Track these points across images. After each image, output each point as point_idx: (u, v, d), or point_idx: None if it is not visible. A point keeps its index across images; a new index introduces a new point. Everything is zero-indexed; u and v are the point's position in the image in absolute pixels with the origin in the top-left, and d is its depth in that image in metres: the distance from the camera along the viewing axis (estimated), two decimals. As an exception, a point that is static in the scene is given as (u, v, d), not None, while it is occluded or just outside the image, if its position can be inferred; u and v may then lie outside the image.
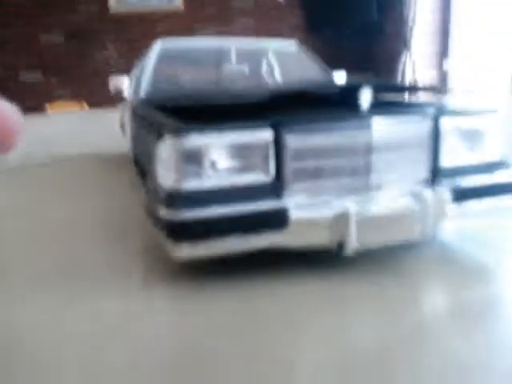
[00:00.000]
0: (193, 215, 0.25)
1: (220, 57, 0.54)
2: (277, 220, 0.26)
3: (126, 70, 4.87)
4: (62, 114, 3.80)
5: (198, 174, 0.26)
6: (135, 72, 0.54)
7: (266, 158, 0.28)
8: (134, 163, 0.44)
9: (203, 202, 0.26)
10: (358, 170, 0.28)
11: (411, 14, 3.70)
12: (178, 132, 0.25)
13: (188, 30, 4.66)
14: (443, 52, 4.00)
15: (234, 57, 0.52)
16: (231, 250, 0.27)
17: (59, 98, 4.42)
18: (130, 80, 0.50)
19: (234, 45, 0.51)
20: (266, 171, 0.27)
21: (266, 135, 0.26)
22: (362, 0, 4.28)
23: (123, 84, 0.46)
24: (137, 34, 4.54)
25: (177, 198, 0.26)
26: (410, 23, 3.74)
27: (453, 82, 4.02)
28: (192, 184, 0.26)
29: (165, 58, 0.47)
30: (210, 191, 0.27)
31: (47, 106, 4.13)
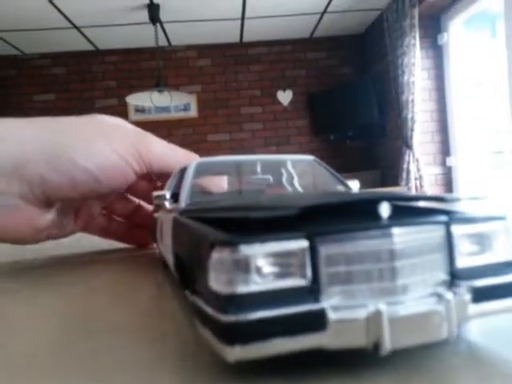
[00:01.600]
0: (244, 318, 0.27)
1: (247, 169, 0.60)
2: (316, 321, 0.28)
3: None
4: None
5: (246, 280, 0.29)
6: (170, 185, 0.60)
7: (303, 264, 0.31)
8: (176, 268, 0.46)
9: (252, 305, 0.29)
10: (384, 275, 0.31)
11: (410, 115, 3.91)
12: (229, 243, 0.28)
13: (202, 135, 4.92)
14: (445, 149, 4.15)
15: (259, 169, 0.58)
16: (277, 352, 0.29)
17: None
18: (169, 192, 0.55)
19: (259, 159, 0.58)
20: (304, 276, 0.30)
21: (302, 244, 0.30)
22: (364, 104, 4.55)
23: (166, 196, 0.51)
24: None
25: (229, 302, 0.29)
26: (409, 124, 3.94)
27: (457, 178, 4.12)
28: (241, 289, 0.29)
29: (199, 173, 0.52)
30: (257, 295, 0.30)
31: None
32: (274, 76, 5.07)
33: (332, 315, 0.32)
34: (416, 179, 3.94)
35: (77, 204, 0.50)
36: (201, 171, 0.61)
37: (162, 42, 4.76)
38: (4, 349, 0.35)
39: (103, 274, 0.63)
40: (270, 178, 0.64)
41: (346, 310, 0.33)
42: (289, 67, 5.07)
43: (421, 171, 3.93)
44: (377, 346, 0.32)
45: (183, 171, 0.64)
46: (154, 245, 0.69)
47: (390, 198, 0.34)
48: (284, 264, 0.34)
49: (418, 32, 3.76)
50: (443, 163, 4.18)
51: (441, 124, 4.11)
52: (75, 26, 4.34)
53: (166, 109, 4.78)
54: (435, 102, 4.09)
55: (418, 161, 3.93)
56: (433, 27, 4.03)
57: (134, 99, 3.93)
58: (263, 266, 0.33)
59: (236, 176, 0.66)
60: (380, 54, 4.58)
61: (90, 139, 0.43)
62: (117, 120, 0.49)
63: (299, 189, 0.63)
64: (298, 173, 0.66)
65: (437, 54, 4.06)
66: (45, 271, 0.64)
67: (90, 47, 4.92)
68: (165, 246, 0.58)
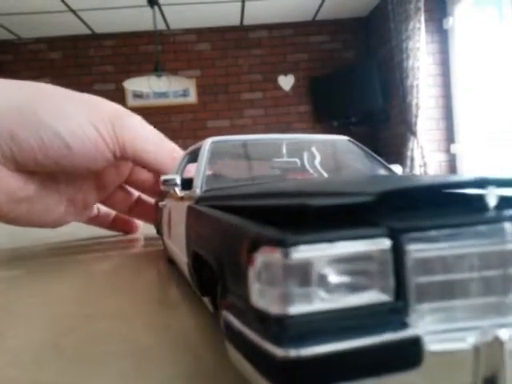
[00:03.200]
0: (306, 353, 0.19)
1: (271, 151, 0.51)
2: (407, 356, 0.20)
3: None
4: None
5: (307, 296, 0.21)
6: (178, 169, 0.52)
7: (385, 272, 0.23)
8: (192, 269, 0.39)
9: (316, 332, 0.20)
10: (494, 286, 0.23)
11: (414, 101, 3.83)
12: (281, 242, 0.20)
13: (201, 121, 4.83)
14: (450, 136, 4.08)
15: (284, 150, 0.49)
16: None
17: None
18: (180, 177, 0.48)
19: (284, 139, 0.49)
20: (385, 289, 0.22)
21: (383, 244, 0.22)
22: (367, 89, 4.46)
23: (175, 181, 0.43)
24: (152, 124, 4.70)
25: (283, 328, 0.20)
26: (414, 109, 3.86)
27: (462, 165, 4.06)
28: (300, 308, 0.21)
29: (216, 154, 0.44)
30: (322, 317, 0.21)
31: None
32: (275, 60, 4.96)
33: (429, 345, 0.22)
34: (420, 166, 3.87)
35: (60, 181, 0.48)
36: (217, 153, 0.51)
37: (161, 26, 4.64)
38: (3, 336, 0.34)
39: (102, 272, 0.57)
40: (298, 161, 0.54)
41: (446, 337, 0.23)
42: (290, 51, 4.96)
43: (425, 158, 3.86)
44: (491, 385, 0.22)
45: (194, 153, 0.53)
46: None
47: (495, 182, 0.24)
48: (358, 272, 0.24)
49: (423, 15, 3.67)
50: (447, 150, 4.11)
51: (446, 110, 4.03)
52: (71, 9, 4.21)
53: (164, 94, 4.68)
54: (440, 88, 4.00)
55: (422, 148, 3.86)
56: (438, 10, 3.92)
57: (132, 84, 3.83)
58: (330, 274, 0.23)
59: (257, 158, 0.57)
60: (384, 38, 4.48)
61: (62, 103, 0.41)
62: (98, 97, 0.48)
63: (336, 173, 0.53)
64: (332, 155, 0.56)
65: (442, 39, 3.96)
66: (45, 260, 0.58)
67: (86, 31, 4.80)
68: (174, 241, 0.48)
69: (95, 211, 0.56)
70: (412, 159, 4.06)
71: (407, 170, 4.07)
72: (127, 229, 0.61)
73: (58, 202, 0.49)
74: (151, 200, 0.59)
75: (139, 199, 0.59)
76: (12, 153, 0.37)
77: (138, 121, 0.49)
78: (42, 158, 0.41)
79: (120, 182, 0.54)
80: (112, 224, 0.59)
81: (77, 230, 0.73)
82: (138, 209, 0.58)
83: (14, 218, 0.45)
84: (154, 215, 0.58)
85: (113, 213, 0.59)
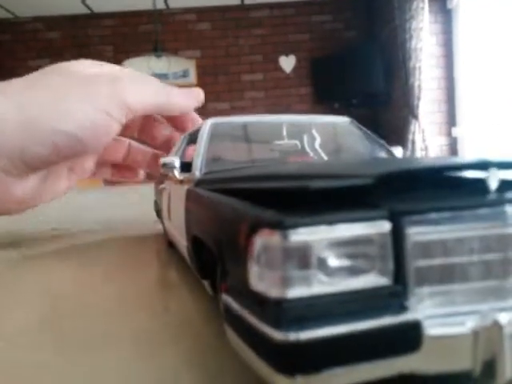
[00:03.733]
0: (307, 336, 0.19)
1: (271, 132, 0.51)
2: (407, 339, 0.20)
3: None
4: (85, 190, 3.78)
5: (306, 279, 0.21)
6: (177, 151, 0.52)
7: (384, 255, 0.23)
8: (192, 252, 0.39)
9: (315, 316, 0.20)
10: (494, 269, 0.23)
11: (417, 83, 3.79)
12: (281, 225, 0.20)
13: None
14: (451, 119, 4.05)
15: (285, 132, 0.49)
16: (353, 381, 0.22)
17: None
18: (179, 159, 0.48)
19: (285, 121, 0.48)
20: (384, 271, 0.22)
21: (383, 227, 0.22)
22: (369, 70, 4.42)
23: (174, 164, 0.43)
24: (152, 107, 4.67)
25: (283, 311, 0.20)
26: (416, 92, 3.83)
27: (463, 148, 4.05)
28: (299, 291, 0.20)
29: (216, 136, 0.44)
30: (321, 301, 0.21)
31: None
32: (276, 40, 4.90)
33: (429, 330, 0.22)
34: (422, 150, 3.86)
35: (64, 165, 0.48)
36: (216, 135, 0.51)
37: (160, 5, 4.57)
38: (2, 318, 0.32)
39: (103, 256, 0.57)
40: (299, 144, 0.54)
41: (445, 322, 0.23)
42: (292, 31, 4.90)
43: (426, 141, 3.84)
44: (490, 370, 0.22)
45: (194, 135, 0.53)
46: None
47: (496, 165, 0.24)
48: (358, 255, 0.24)
49: (426, -6, 3.60)
50: (449, 133, 4.09)
51: (448, 92, 4.00)
52: (69, -13, 4.14)
53: (164, 76, 4.63)
54: (443, 69, 3.95)
55: (423, 131, 3.84)
56: (443, -11, 3.84)
57: (132, 65, 3.79)
58: (329, 257, 0.23)
59: (257, 140, 0.56)
60: (387, 18, 4.41)
61: (65, 98, 0.40)
62: (85, 65, 0.46)
63: (337, 155, 0.53)
64: (333, 137, 0.55)
65: (446, 19, 3.90)
66: (46, 244, 0.58)
67: (85, 10, 4.73)
68: (173, 224, 0.48)
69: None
70: (413, 142, 4.05)
71: (408, 152, 4.06)
72: (129, 175, 0.58)
73: (60, 176, 0.50)
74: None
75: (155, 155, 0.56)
76: (24, 164, 0.38)
77: (133, 77, 0.47)
78: (55, 158, 0.40)
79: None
80: (113, 172, 0.57)
81: (76, 217, 0.73)
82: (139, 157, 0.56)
83: (25, 209, 0.46)
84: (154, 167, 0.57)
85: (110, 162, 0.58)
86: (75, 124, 0.39)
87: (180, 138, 0.57)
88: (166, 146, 0.52)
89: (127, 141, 0.56)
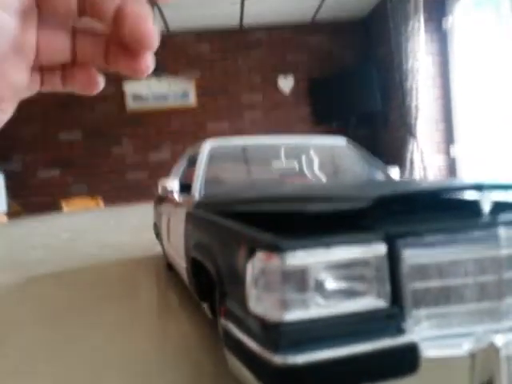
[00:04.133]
0: (304, 359, 0.19)
1: (269, 154, 0.51)
2: (405, 361, 0.20)
3: (142, 164, 4.96)
4: (78, 213, 3.72)
5: (304, 302, 0.21)
6: (177, 173, 0.52)
7: (381, 277, 0.23)
8: (191, 274, 0.39)
9: (313, 339, 0.20)
10: (488, 291, 0.23)
11: (414, 103, 3.82)
12: (278, 248, 0.20)
13: (200, 124, 4.83)
14: (449, 138, 4.07)
15: (283, 153, 0.49)
16: None
17: (75, 194, 4.48)
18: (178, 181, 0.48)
19: (283, 143, 0.49)
20: (381, 294, 0.22)
21: (379, 250, 0.22)
22: (367, 91, 4.45)
23: (174, 187, 0.43)
24: (152, 128, 4.71)
25: (281, 334, 0.20)
26: (413, 112, 3.85)
27: (461, 167, 4.06)
28: (297, 314, 0.21)
29: (215, 159, 0.44)
30: (319, 324, 0.22)
31: (63, 203, 4.14)
32: (274, 62, 4.94)
33: (426, 351, 0.22)
34: (420, 169, 3.86)
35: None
36: (215, 157, 0.52)
37: (160, 27, 4.63)
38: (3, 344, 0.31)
39: (102, 280, 0.57)
40: (296, 165, 0.55)
41: (442, 344, 0.23)
42: (290, 52, 4.94)
43: (425, 161, 3.85)
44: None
45: (193, 156, 0.54)
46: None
47: (490, 187, 0.24)
48: (354, 277, 0.24)
49: (422, 15, 3.64)
50: (447, 152, 4.10)
51: (445, 112, 4.02)
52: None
53: (164, 97, 4.67)
54: (439, 89, 3.98)
55: (422, 150, 3.85)
56: (437, 10, 3.89)
57: (132, 86, 3.84)
58: (327, 280, 0.24)
59: (256, 161, 0.57)
60: (383, 39, 4.46)
61: None
62: None
63: (334, 177, 0.53)
64: (330, 158, 0.56)
65: (441, 39, 3.94)
66: (44, 268, 0.58)
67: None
68: (172, 246, 0.48)
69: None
70: (412, 162, 4.06)
71: (407, 172, 4.07)
72: (82, 78, 0.37)
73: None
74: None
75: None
76: None
77: None
78: None
79: None
80: (63, 79, 0.37)
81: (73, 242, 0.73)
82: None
83: None
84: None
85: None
86: None
87: (180, 160, 0.57)
88: (119, 21, 0.31)
89: (66, 28, 0.35)
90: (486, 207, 0.23)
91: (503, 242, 0.23)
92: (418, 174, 3.93)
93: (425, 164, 3.89)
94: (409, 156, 3.96)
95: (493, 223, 0.23)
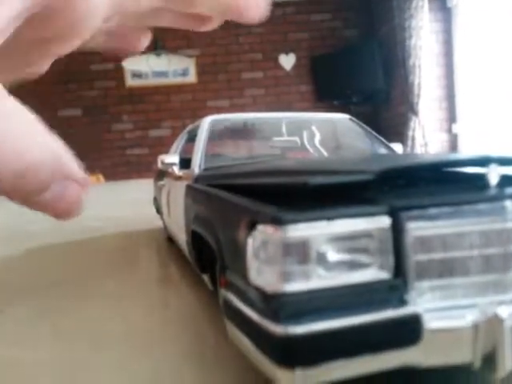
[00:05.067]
0: (307, 330, 0.19)
1: (271, 129, 0.51)
2: (408, 332, 0.20)
3: (143, 141, 4.96)
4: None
5: (305, 273, 0.21)
6: (177, 148, 0.52)
7: (384, 249, 0.23)
8: (191, 247, 0.39)
9: (314, 310, 0.20)
10: (495, 263, 0.23)
11: (417, 81, 3.79)
12: (279, 221, 0.20)
13: (201, 101, 4.80)
14: (452, 116, 4.05)
15: (284, 129, 0.48)
16: (352, 375, 0.22)
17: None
18: (178, 156, 0.48)
19: (284, 118, 0.48)
20: (385, 266, 0.22)
21: (383, 222, 0.22)
22: (369, 68, 4.41)
23: (173, 161, 0.43)
24: (152, 105, 4.69)
25: (282, 305, 0.20)
26: (416, 89, 3.82)
27: (463, 145, 4.04)
28: (298, 286, 0.20)
29: (215, 133, 0.44)
30: (320, 295, 0.21)
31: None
32: (276, 39, 4.88)
33: (428, 323, 0.22)
34: (421, 146, 3.86)
35: None
36: (216, 131, 0.51)
37: (159, 3, 4.55)
38: (3, 314, 0.31)
39: (103, 251, 0.57)
40: (298, 140, 0.54)
41: (445, 315, 0.23)
42: (292, 30, 4.88)
43: (426, 138, 3.84)
44: (490, 363, 0.22)
45: (193, 131, 0.53)
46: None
47: (497, 161, 0.24)
48: (357, 250, 0.24)
49: (426, -8, 3.58)
50: (449, 130, 4.09)
51: (448, 90, 3.99)
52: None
53: (163, 74, 4.63)
54: (442, 68, 3.94)
55: (423, 127, 3.84)
56: (442, -12, 3.83)
57: (131, 63, 3.79)
58: (329, 252, 0.23)
59: (257, 137, 0.56)
60: (387, 16, 4.40)
61: None
62: None
63: (336, 152, 0.52)
64: (332, 134, 0.55)
65: (445, 17, 3.89)
66: (48, 238, 0.58)
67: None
68: (173, 220, 0.48)
69: None
70: (413, 139, 4.05)
71: (408, 149, 4.06)
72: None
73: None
74: None
75: None
76: None
77: None
78: None
79: None
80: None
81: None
82: None
83: None
84: None
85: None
86: None
87: (180, 136, 0.56)
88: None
89: None
90: (494, 180, 0.22)
91: (510, 215, 0.22)
92: (419, 151, 3.92)
93: (426, 140, 3.88)
94: (410, 133, 3.95)
95: (500, 196, 0.22)
